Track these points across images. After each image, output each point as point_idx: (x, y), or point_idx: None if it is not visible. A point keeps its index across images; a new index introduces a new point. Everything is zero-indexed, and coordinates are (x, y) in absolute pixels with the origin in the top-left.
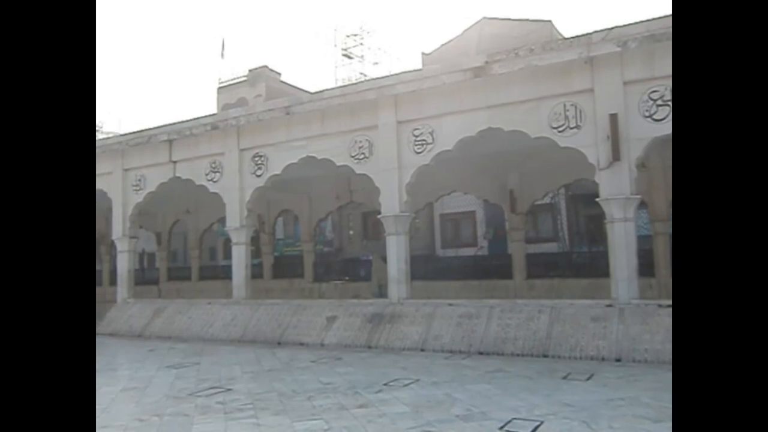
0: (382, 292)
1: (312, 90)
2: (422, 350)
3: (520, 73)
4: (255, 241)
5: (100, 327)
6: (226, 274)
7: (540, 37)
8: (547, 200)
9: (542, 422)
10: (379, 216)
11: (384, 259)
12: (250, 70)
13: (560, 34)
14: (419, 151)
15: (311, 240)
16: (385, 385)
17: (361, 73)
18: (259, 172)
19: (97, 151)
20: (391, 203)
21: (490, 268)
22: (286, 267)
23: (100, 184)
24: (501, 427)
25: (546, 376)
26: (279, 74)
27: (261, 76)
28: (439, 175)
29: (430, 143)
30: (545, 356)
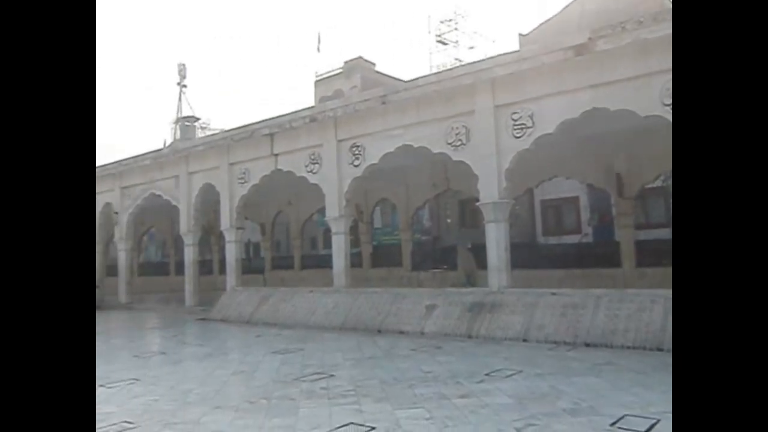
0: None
1: (407, 79)
2: (524, 341)
3: (628, 48)
4: (354, 230)
5: (212, 313)
6: (326, 263)
7: (649, 8)
8: (658, 183)
9: (658, 420)
10: (477, 203)
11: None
12: (345, 62)
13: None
14: (518, 135)
15: (409, 229)
16: (486, 375)
17: (456, 59)
18: (356, 162)
19: (205, 146)
20: (489, 190)
21: (595, 256)
22: (384, 256)
23: (208, 178)
24: (612, 424)
25: (662, 371)
26: (374, 65)
27: (356, 67)
28: (539, 159)
29: (530, 127)
30: (659, 350)
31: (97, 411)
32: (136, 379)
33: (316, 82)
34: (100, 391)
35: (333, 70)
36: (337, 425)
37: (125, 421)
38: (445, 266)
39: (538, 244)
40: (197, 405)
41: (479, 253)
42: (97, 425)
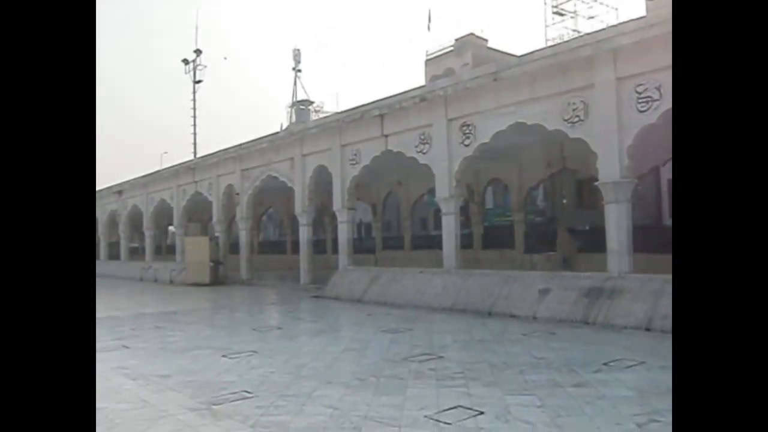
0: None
1: (520, 54)
2: (647, 330)
3: None
4: (464, 211)
5: (326, 291)
6: (436, 243)
7: None
8: None
9: None
10: (596, 183)
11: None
12: (456, 40)
13: None
14: (643, 109)
15: (522, 210)
16: (604, 364)
17: (575, 30)
18: (467, 142)
19: (318, 129)
20: (609, 168)
21: None
22: (495, 237)
23: (321, 159)
24: None
25: None
26: (486, 41)
27: (467, 44)
28: (667, 135)
29: (657, 99)
30: None
31: (219, 379)
32: (255, 352)
33: (427, 61)
34: (222, 361)
35: (443, 49)
36: (445, 407)
37: (244, 391)
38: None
39: (664, 227)
40: (310, 379)
41: (593, 235)
42: (219, 393)
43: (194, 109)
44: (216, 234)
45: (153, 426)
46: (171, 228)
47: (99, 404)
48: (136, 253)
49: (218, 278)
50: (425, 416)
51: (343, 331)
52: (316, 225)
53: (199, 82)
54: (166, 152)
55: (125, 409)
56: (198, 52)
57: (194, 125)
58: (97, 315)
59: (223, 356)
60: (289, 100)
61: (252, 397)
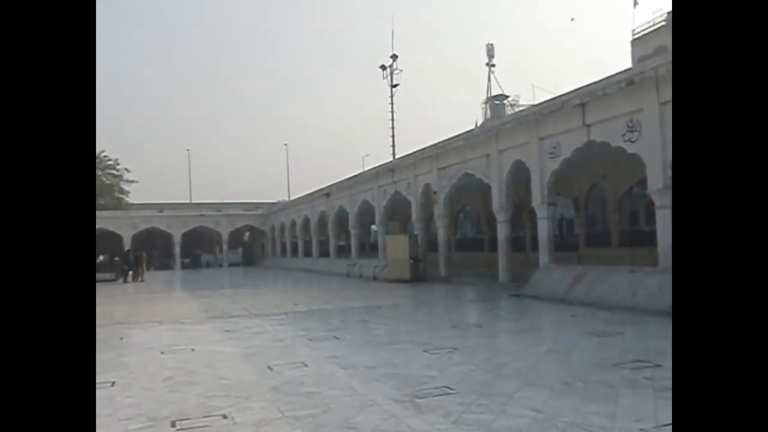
0: None
1: None
2: None
3: None
4: None
5: (525, 289)
6: (649, 240)
7: None
8: None
9: None
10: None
11: None
12: (668, 13)
13: None
14: None
15: None
16: None
17: None
18: None
19: (514, 123)
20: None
21: None
22: None
23: (518, 154)
24: None
25: None
26: None
27: None
28: None
29: None
30: None
31: (421, 374)
32: (455, 348)
33: (633, 41)
34: (424, 356)
35: (654, 24)
36: (664, 422)
37: (446, 386)
38: None
39: None
40: (511, 379)
41: None
42: (422, 387)
43: (392, 112)
44: (415, 232)
45: (362, 413)
46: (373, 227)
47: (314, 389)
48: (343, 251)
49: (418, 275)
50: (641, 429)
51: (545, 332)
52: (513, 221)
53: (395, 86)
54: (367, 155)
55: (337, 396)
56: (394, 57)
57: (392, 127)
58: (311, 307)
59: (425, 351)
60: (483, 96)
61: (454, 393)
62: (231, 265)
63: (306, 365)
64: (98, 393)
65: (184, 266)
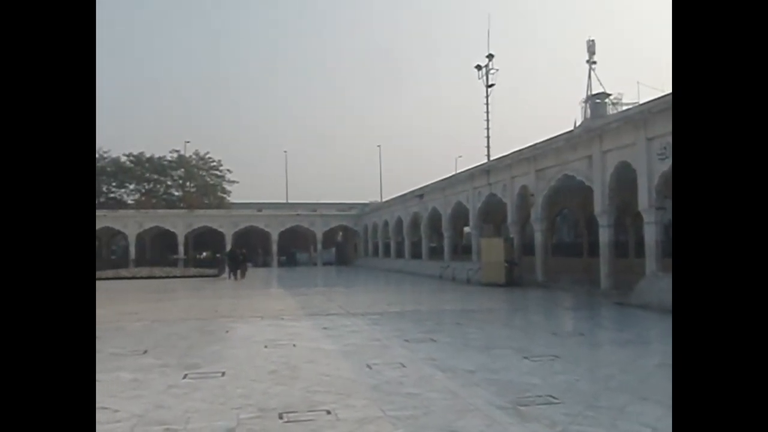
0: None
1: None
2: None
3: None
4: None
5: (630, 298)
6: None
7: None
8: None
9: None
10: None
11: None
12: None
13: None
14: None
15: None
16: None
17: None
18: None
19: (619, 123)
20: None
21: None
22: None
23: (623, 156)
24: None
25: None
26: None
27: None
28: None
29: None
30: None
31: (522, 381)
32: (556, 356)
33: None
34: (524, 363)
35: None
36: None
37: (550, 395)
38: None
39: None
40: (620, 392)
41: None
42: (524, 394)
43: (487, 112)
44: (510, 235)
45: (463, 417)
46: (466, 229)
47: (414, 390)
48: (435, 253)
49: (513, 279)
50: None
51: (656, 344)
52: (616, 226)
53: (491, 86)
54: (460, 156)
55: (437, 398)
56: (490, 56)
57: (487, 128)
58: (404, 308)
59: (525, 358)
60: (582, 95)
61: (558, 403)
62: (325, 264)
63: (404, 366)
64: (210, 382)
65: (280, 264)
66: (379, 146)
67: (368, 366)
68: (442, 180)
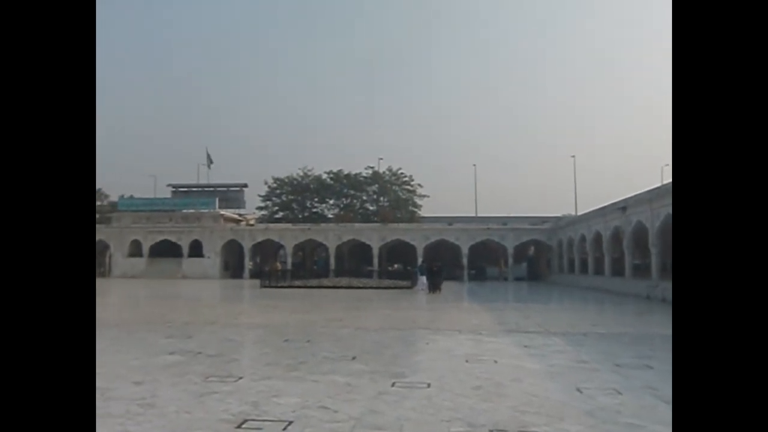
0: None
1: None
2: None
3: None
4: None
5: None
6: None
7: None
8: None
9: None
10: None
11: None
12: None
13: None
14: None
15: None
16: None
17: None
18: None
19: None
20: None
21: None
22: None
23: None
24: None
25: None
26: None
27: None
28: None
29: None
30: None
31: None
32: None
33: None
34: None
35: None
36: None
37: None
38: None
39: None
40: None
41: None
42: None
43: None
44: None
45: None
46: None
47: (634, 420)
48: (639, 270)
49: None
50: None
51: None
52: None
53: None
54: (667, 164)
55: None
56: None
57: None
58: (610, 330)
59: None
60: None
61: None
62: (516, 279)
63: (620, 393)
64: (417, 392)
65: (470, 278)
66: (573, 157)
67: (578, 389)
68: (649, 191)
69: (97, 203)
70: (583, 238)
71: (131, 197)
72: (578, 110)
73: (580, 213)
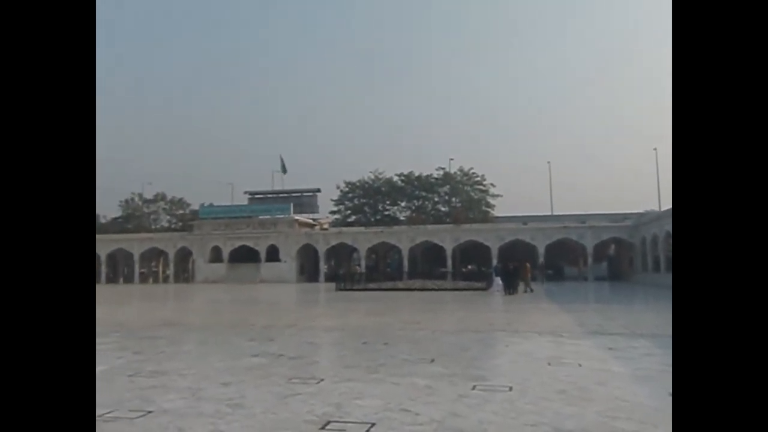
0: None
1: None
2: None
3: None
4: None
5: None
6: None
7: None
8: None
9: None
10: None
11: None
12: None
13: None
14: None
15: None
16: None
17: None
18: None
19: None
20: None
21: None
22: None
23: None
24: None
25: None
26: None
27: None
28: None
29: None
30: None
31: None
32: None
33: None
34: None
35: None
36: None
37: None
38: None
39: None
40: None
41: None
42: None
43: None
44: None
45: None
46: None
47: None
48: None
49: None
50: None
51: None
52: None
53: None
54: None
55: None
56: None
57: None
58: None
59: None
60: None
61: None
62: (596, 279)
63: None
64: (498, 395)
65: (548, 278)
66: (655, 149)
67: (670, 395)
68: None
69: (179, 212)
70: (669, 235)
71: (211, 205)
72: (659, 101)
73: (664, 208)
